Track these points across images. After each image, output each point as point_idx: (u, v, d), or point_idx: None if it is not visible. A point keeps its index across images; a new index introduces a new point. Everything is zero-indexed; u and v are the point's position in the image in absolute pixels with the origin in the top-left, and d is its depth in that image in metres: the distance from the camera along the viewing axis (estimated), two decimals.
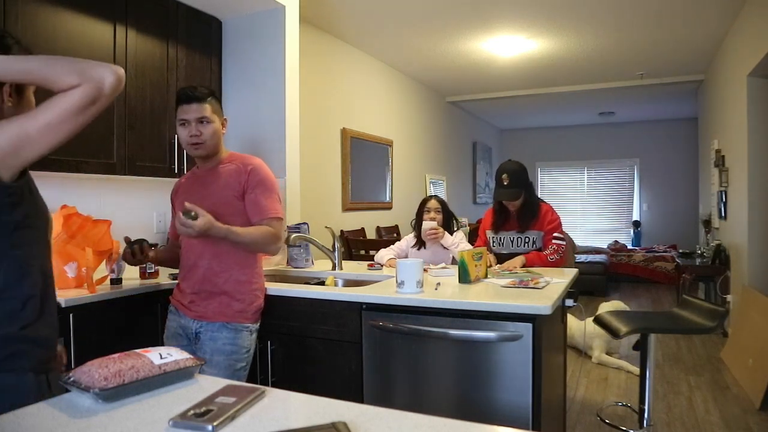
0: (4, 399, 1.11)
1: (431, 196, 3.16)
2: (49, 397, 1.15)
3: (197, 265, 2.02)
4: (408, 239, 3.17)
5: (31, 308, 1.18)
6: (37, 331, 1.19)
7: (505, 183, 2.89)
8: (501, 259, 2.89)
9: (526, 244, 2.88)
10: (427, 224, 2.92)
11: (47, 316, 1.23)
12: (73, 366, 1.75)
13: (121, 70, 1.16)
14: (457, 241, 2.96)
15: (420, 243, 3.08)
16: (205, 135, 1.99)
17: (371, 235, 5.47)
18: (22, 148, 1.07)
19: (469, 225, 7.25)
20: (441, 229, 2.93)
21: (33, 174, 1.29)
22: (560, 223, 2.92)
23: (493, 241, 2.99)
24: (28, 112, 1.13)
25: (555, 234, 2.86)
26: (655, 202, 9.64)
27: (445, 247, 2.97)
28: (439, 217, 3.02)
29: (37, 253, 1.22)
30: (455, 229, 3.08)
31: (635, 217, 9.81)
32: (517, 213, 2.94)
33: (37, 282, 1.21)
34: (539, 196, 3.07)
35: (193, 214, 1.78)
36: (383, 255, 3.05)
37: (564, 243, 2.86)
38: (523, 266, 2.74)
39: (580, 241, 9.51)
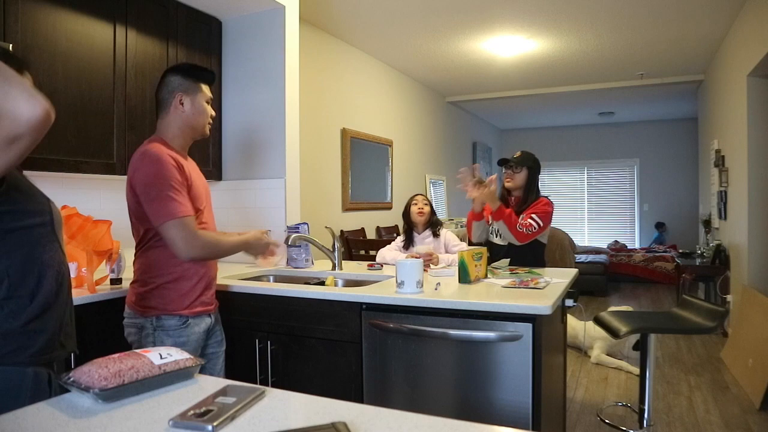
0: (6, 393, 1.12)
1: (416, 195, 3.23)
2: (52, 387, 1.16)
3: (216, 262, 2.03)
4: (399, 239, 3.21)
5: (39, 303, 1.19)
6: (42, 323, 1.20)
7: (516, 154, 2.93)
8: (491, 249, 2.78)
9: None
10: (421, 249, 2.86)
11: (56, 307, 1.23)
12: (73, 366, 1.75)
13: (49, 107, 1.01)
14: (452, 258, 2.82)
15: (408, 241, 3.13)
16: None
17: (371, 235, 5.47)
18: None
19: None
20: (435, 255, 2.83)
21: (32, 174, 1.29)
22: (548, 213, 2.80)
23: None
24: None
25: (535, 214, 2.75)
26: (655, 202, 9.64)
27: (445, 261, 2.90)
28: (427, 208, 3.13)
29: (42, 250, 1.22)
30: (441, 225, 3.17)
31: (636, 218, 9.81)
32: (515, 201, 2.90)
33: (46, 277, 1.21)
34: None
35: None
36: (384, 254, 3.08)
37: (538, 227, 2.74)
38: (498, 210, 2.68)
39: (580, 241, 9.51)
